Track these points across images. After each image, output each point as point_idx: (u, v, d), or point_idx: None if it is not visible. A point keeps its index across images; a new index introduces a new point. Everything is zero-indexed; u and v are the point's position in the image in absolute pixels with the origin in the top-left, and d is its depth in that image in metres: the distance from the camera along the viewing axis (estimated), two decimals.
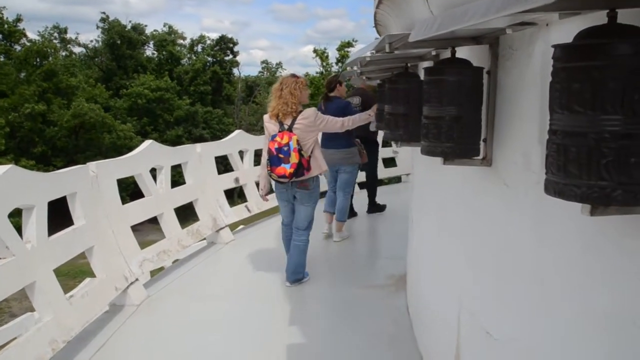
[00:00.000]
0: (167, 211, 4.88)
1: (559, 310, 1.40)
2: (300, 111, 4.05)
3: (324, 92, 5.48)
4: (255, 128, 35.24)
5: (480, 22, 0.99)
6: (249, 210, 6.42)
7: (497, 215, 1.88)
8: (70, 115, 27.22)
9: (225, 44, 39.66)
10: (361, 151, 5.61)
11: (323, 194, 6.02)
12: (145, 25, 38.24)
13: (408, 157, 8.54)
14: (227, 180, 6.29)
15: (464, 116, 1.82)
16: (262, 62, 53.51)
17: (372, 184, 6.76)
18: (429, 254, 2.93)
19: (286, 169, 3.92)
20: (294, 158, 3.90)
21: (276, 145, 3.94)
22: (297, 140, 3.92)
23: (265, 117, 4.20)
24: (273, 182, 4.29)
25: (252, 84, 42.86)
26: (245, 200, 6.56)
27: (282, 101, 4.00)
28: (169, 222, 4.89)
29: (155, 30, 38.86)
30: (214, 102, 37.92)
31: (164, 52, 37.74)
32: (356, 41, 40.07)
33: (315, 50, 41.26)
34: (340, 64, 40.35)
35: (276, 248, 5.53)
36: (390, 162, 9.38)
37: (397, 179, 9.74)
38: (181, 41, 40.12)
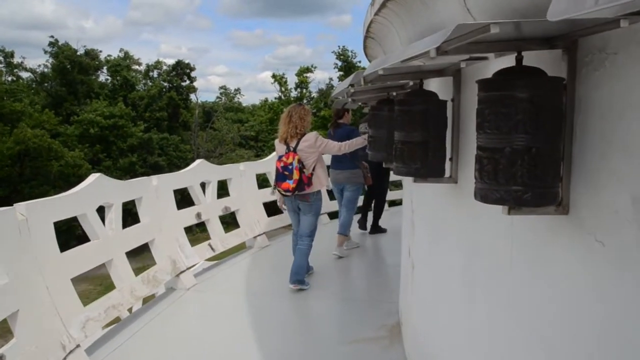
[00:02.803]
0: (118, 257, 4.13)
1: None
2: (304, 134, 4.62)
3: (333, 119, 6.08)
4: (214, 155, 34.18)
5: None
6: (212, 249, 5.72)
7: (578, 280, 1.36)
8: (12, 142, 25.33)
9: (182, 70, 38.76)
10: (366, 174, 5.99)
11: (335, 214, 6.93)
12: (100, 51, 37.00)
13: None
14: (188, 216, 5.59)
15: (541, 147, 1.30)
16: (221, 87, 52.81)
17: (378, 206, 7.03)
18: (450, 312, 2.38)
19: (289, 184, 4.55)
20: (295, 175, 4.51)
21: (282, 164, 4.59)
22: (299, 160, 4.54)
23: (276, 141, 4.90)
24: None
25: (209, 110, 41.85)
26: (199, 233, 5.90)
27: (292, 125, 4.61)
28: (120, 270, 4.13)
29: (109, 56, 37.57)
30: (171, 128, 36.68)
31: (118, 78, 36.42)
32: (315, 67, 40.46)
33: (274, 76, 41.00)
34: (299, 90, 40.16)
35: (247, 292, 4.89)
36: None
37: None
38: (136, 67, 38.94)
